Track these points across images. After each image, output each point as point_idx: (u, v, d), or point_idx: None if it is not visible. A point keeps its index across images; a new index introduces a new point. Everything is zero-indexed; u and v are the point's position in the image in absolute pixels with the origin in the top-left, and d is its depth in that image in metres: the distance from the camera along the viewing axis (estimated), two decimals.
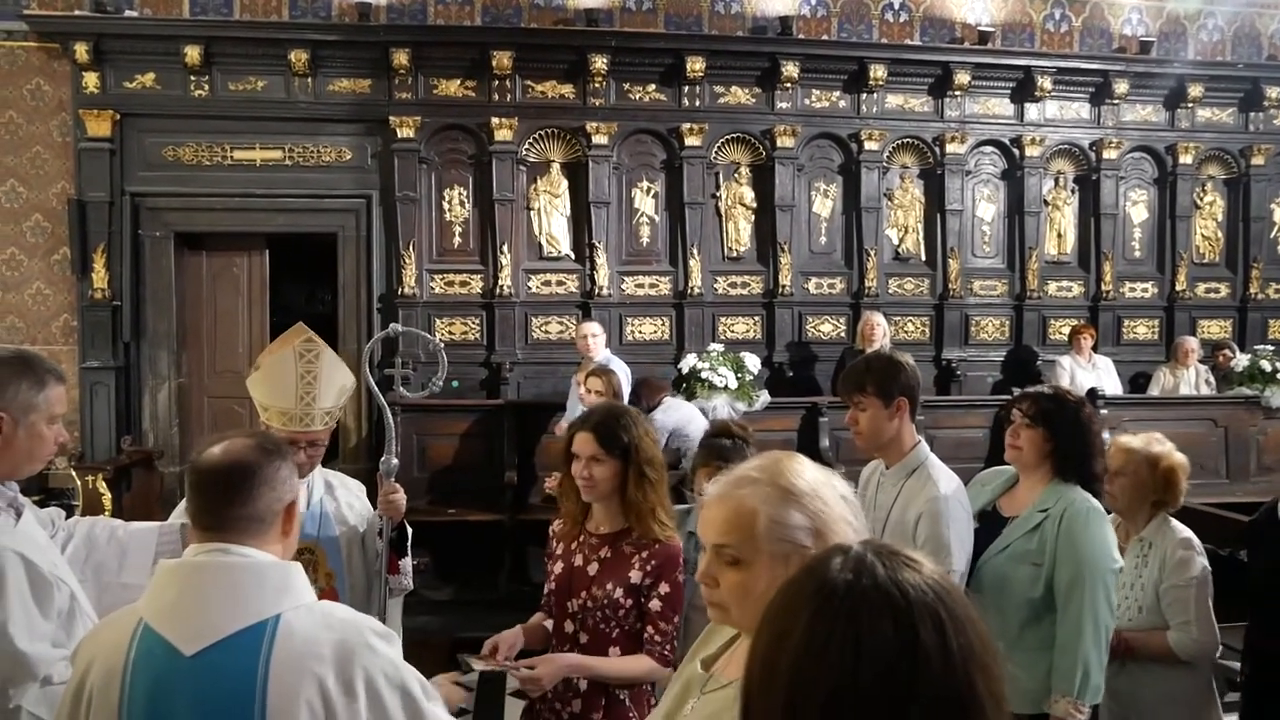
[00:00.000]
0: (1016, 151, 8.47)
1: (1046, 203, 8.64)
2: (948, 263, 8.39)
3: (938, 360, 8.39)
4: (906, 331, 8.39)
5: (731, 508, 1.39)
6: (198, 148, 7.73)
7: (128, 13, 7.52)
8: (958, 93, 8.25)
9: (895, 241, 8.46)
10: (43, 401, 1.96)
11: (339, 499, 2.75)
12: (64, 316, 7.83)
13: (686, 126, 7.96)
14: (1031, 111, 8.49)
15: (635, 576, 2.45)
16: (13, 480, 1.98)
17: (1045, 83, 8.27)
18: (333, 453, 7.80)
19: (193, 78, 7.60)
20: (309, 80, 7.69)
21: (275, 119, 7.75)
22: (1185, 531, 2.99)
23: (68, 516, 2.43)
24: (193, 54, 7.44)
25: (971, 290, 8.52)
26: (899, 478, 2.67)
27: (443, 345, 3.27)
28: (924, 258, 8.50)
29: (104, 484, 6.87)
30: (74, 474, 7.08)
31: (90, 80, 7.54)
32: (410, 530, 2.86)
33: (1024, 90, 8.37)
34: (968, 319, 8.49)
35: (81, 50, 7.41)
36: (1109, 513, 2.84)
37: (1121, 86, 8.41)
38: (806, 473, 1.42)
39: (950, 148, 8.29)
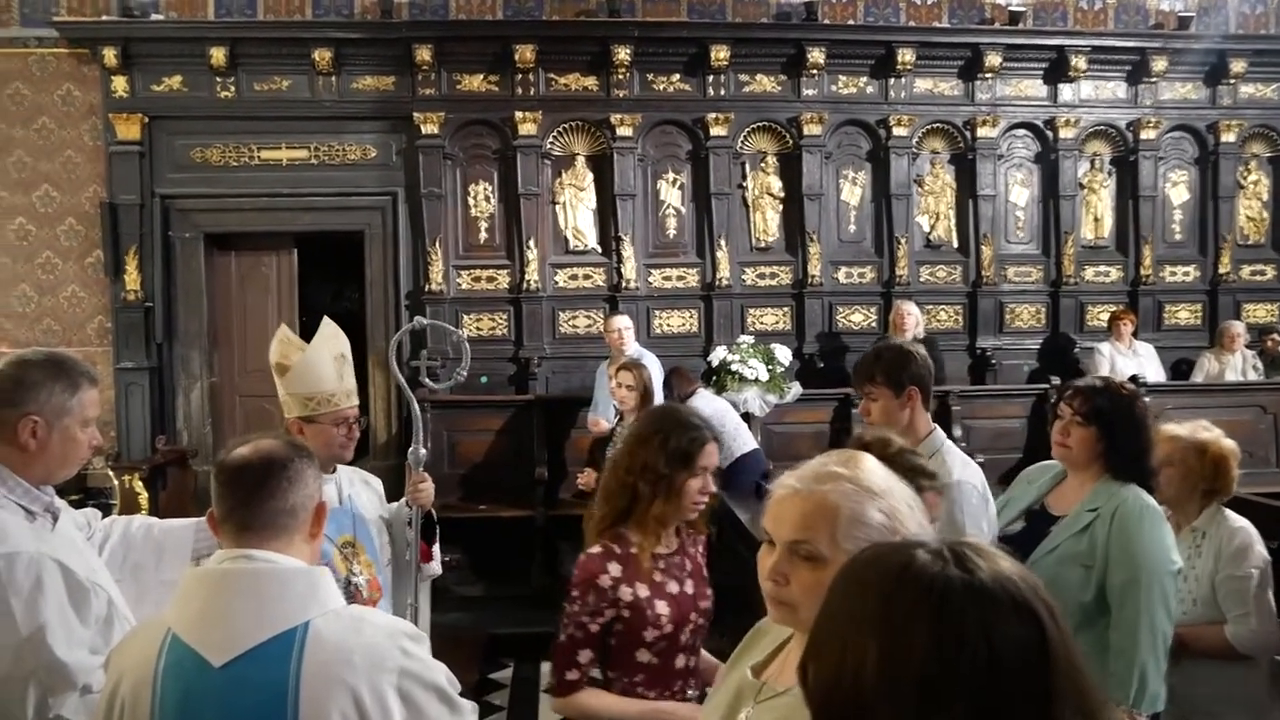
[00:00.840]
0: (1050, 134, 8.28)
1: (1082, 186, 8.43)
2: (980, 249, 8.22)
3: (972, 349, 8.24)
4: (939, 320, 8.24)
5: (814, 503, 1.34)
6: (225, 149, 7.78)
7: (154, 16, 7.59)
8: (989, 75, 8.08)
9: (926, 229, 8.31)
10: (76, 405, 1.94)
11: (364, 492, 2.78)
12: (98, 318, 7.93)
13: (712, 116, 7.87)
14: (1065, 92, 8.29)
15: (705, 572, 2.39)
16: (48, 484, 1.96)
17: (1079, 62, 8.06)
18: (364, 449, 7.85)
19: (218, 79, 7.65)
20: (333, 79, 7.70)
21: (300, 118, 7.78)
22: (1241, 520, 2.86)
23: (104, 516, 2.44)
24: (218, 55, 7.48)
25: (1006, 277, 8.34)
26: None
27: (465, 336, 3.26)
28: (956, 245, 8.34)
29: (140, 483, 6.97)
30: (110, 473, 7.18)
31: (119, 84, 7.62)
32: (436, 518, 2.91)
33: (1057, 71, 8.17)
34: (1002, 306, 8.32)
35: (110, 55, 7.48)
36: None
37: (1159, 64, 8.18)
38: (879, 471, 1.39)
39: (982, 132, 8.11)
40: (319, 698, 1.44)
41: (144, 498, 6.90)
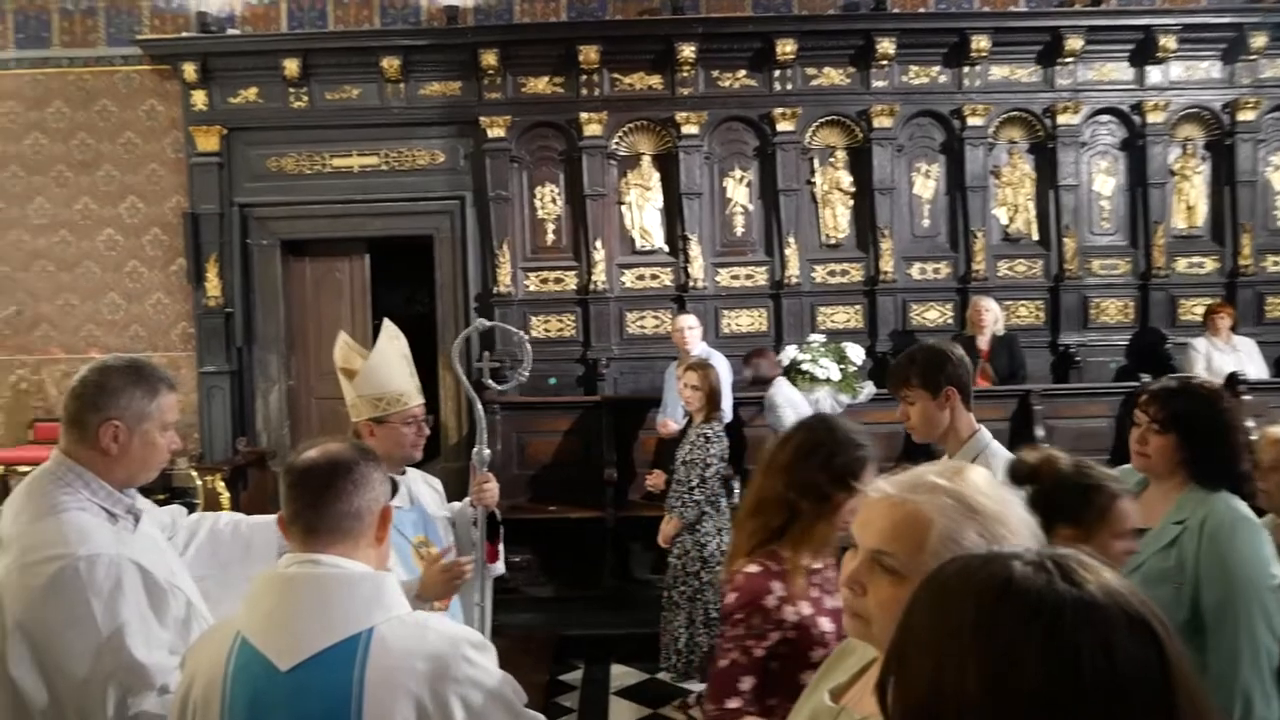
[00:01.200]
0: (1137, 119, 7.89)
1: (1173, 172, 8.01)
2: (1063, 242, 7.89)
3: (1054, 345, 7.92)
4: (1019, 316, 7.95)
5: (904, 514, 1.25)
6: (299, 157, 7.97)
7: (230, 31, 7.81)
8: (1069, 59, 7.75)
9: (1004, 221, 8.02)
10: (155, 409, 1.98)
11: (428, 492, 2.81)
12: (182, 324, 8.21)
13: (779, 111, 7.74)
14: (1154, 74, 7.90)
15: None
16: (130, 487, 2.00)
17: (1169, 42, 7.67)
18: (434, 450, 7.94)
19: (291, 90, 7.84)
20: (401, 86, 7.82)
21: (370, 125, 7.92)
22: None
23: (189, 514, 2.49)
24: (291, 67, 7.67)
25: (1090, 270, 7.99)
26: None
27: (526, 338, 3.25)
28: (1036, 237, 8.03)
29: (222, 483, 7.16)
30: (194, 474, 7.41)
31: (198, 98, 7.87)
32: (500, 518, 2.92)
33: (1144, 52, 7.79)
34: (1086, 301, 7.98)
35: (190, 70, 7.73)
36: (1261, 515, 2.47)
37: (1259, 39, 7.70)
38: (992, 490, 1.27)
39: (1062, 119, 7.79)
40: (382, 704, 1.43)
41: (225, 498, 7.09)
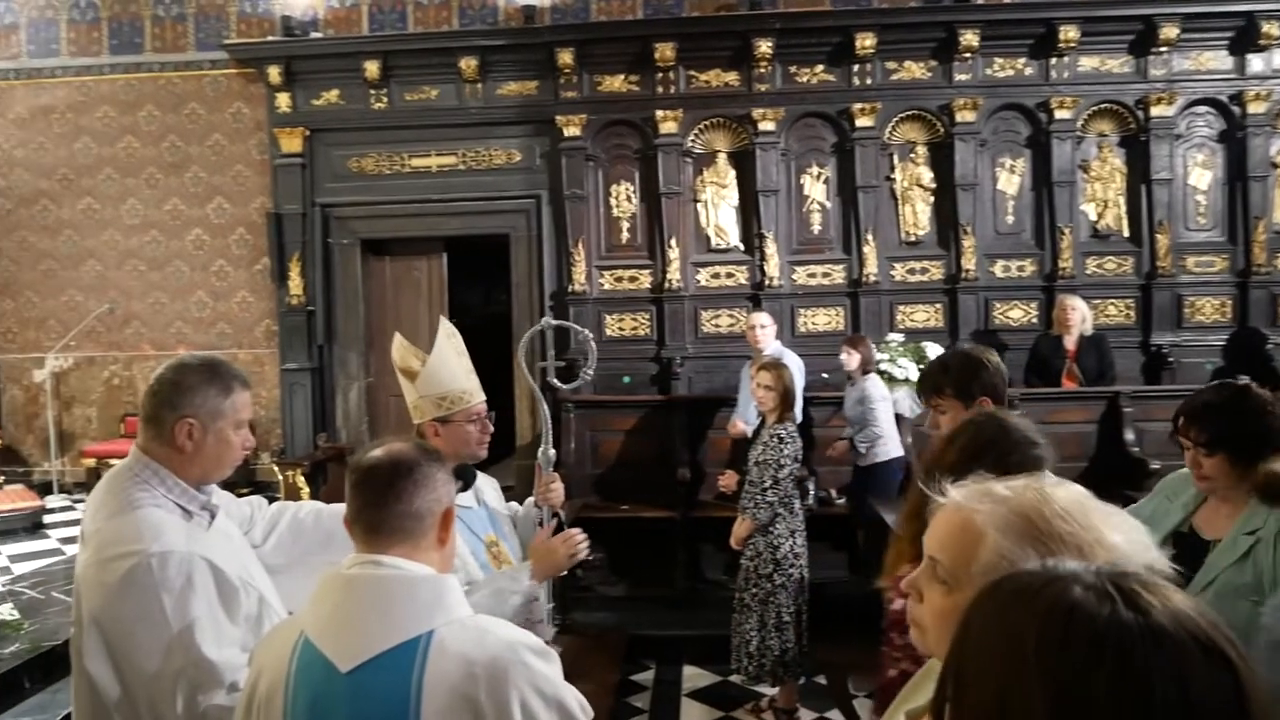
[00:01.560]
0: (1237, 110, 7.55)
1: (1275, 165, 7.66)
2: (1155, 238, 7.60)
3: (1145, 345, 7.63)
4: (1108, 315, 7.67)
5: (958, 522, 1.19)
6: (378, 158, 8.10)
7: (313, 34, 7.98)
8: (1164, 48, 7.46)
9: (1093, 217, 7.75)
10: (229, 407, 1.99)
11: (490, 491, 2.78)
12: (265, 322, 8.41)
13: (857, 107, 7.61)
14: (1255, 63, 7.55)
15: None
16: (205, 484, 2.02)
17: (1272, 29, 7.32)
18: (508, 448, 8.00)
19: (372, 91, 7.97)
20: (479, 86, 7.89)
21: (448, 125, 8.01)
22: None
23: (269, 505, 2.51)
24: (372, 69, 7.79)
25: (1184, 267, 7.68)
26: None
27: (591, 336, 3.21)
28: (1127, 233, 7.75)
29: (302, 478, 7.30)
30: (275, 469, 7.58)
31: (282, 100, 8.05)
32: (565, 519, 2.85)
33: (1245, 39, 7.46)
34: (1180, 299, 7.67)
35: (274, 73, 7.92)
36: None
37: None
38: (1081, 513, 1.13)
39: (1156, 110, 7.50)
40: (440, 709, 1.41)
41: (305, 492, 7.23)
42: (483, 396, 2.60)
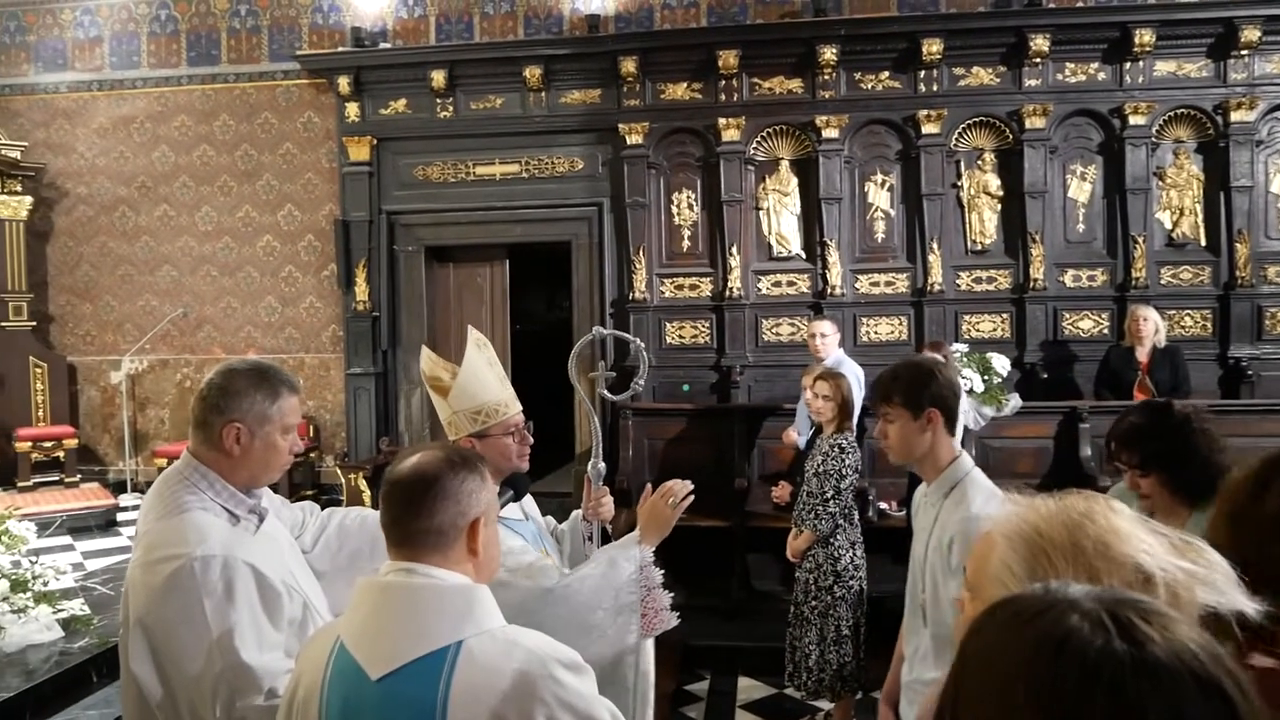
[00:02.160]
0: None
1: None
2: (1234, 247, 7.35)
3: (1223, 358, 7.38)
4: (1183, 326, 7.44)
5: (982, 533, 1.22)
6: (444, 166, 8.21)
7: (382, 45, 8.13)
8: (1244, 51, 7.23)
9: (1168, 226, 7.53)
10: (276, 412, 2.00)
11: (531, 504, 2.73)
12: (332, 327, 8.58)
13: (923, 113, 7.50)
14: None
15: None
16: (254, 488, 2.03)
17: None
18: (568, 454, 8.03)
19: (438, 100, 8.09)
20: (543, 94, 7.96)
21: (512, 134, 8.09)
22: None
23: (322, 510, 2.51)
24: (438, 78, 7.91)
25: (1265, 277, 7.42)
26: (937, 497, 2.39)
27: (643, 345, 3.17)
28: (1204, 243, 7.51)
29: (364, 482, 7.40)
30: (339, 471, 7.70)
31: (351, 110, 8.21)
32: (611, 532, 2.84)
33: None
34: (1260, 310, 7.40)
35: (344, 83, 8.08)
36: None
37: None
38: (1101, 521, 1.09)
39: (1236, 116, 7.26)
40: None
41: (367, 495, 7.33)
42: (519, 406, 2.51)
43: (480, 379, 2.47)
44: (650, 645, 2.30)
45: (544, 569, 2.31)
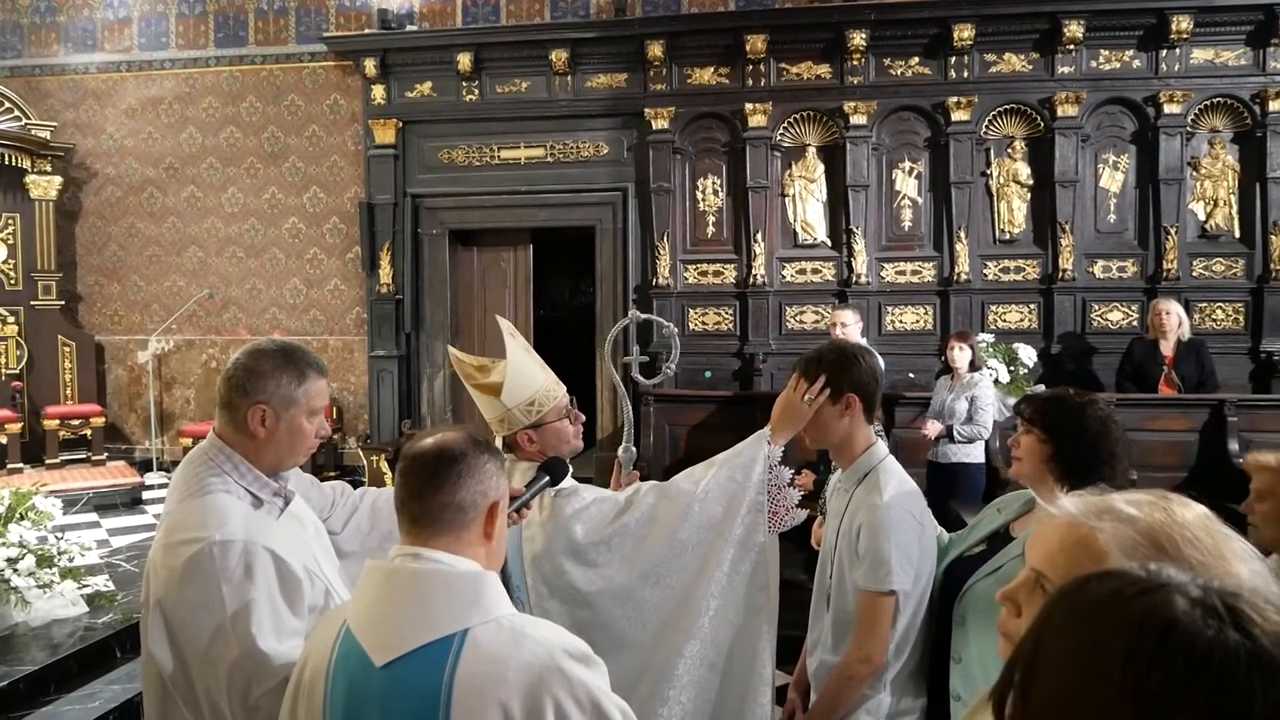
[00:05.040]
0: None
1: None
2: (1269, 239, 7.22)
3: (1255, 352, 7.26)
4: (1214, 320, 7.33)
5: (1076, 539, 1.11)
6: (469, 149, 8.20)
7: (409, 27, 8.11)
8: None
9: (1201, 217, 7.40)
10: (302, 395, 1.96)
11: None
12: (356, 310, 8.60)
13: (953, 100, 7.41)
14: None
15: None
16: (279, 471, 2.00)
17: None
18: (589, 440, 8.03)
19: (464, 84, 8.08)
20: (569, 78, 7.93)
21: (537, 118, 8.07)
22: None
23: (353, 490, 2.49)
24: (464, 61, 7.89)
25: None
26: (850, 484, 2.36)
27: (676, 331, 3.16)
28: (1238, 234, 7.38)
29: (386, 464, 7.45)
30: (361, 453, 7.75)
31: (378, 93, 8.21)
32: None
33: None
34: None
35: (370, 66, 8.08)
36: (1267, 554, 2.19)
37: None
38: (1206, 535, 1.06)
39: (1275, 105, 7.11)
40: (470, 710, 1.37)
41: (388, 477, 7.37)
42: (564, 386, 2.51)
43: (526, 369, 2.45)
44: (776, 541, 2.32)
45: (669, 487, 2.34)
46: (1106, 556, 1.07)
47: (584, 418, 2.54)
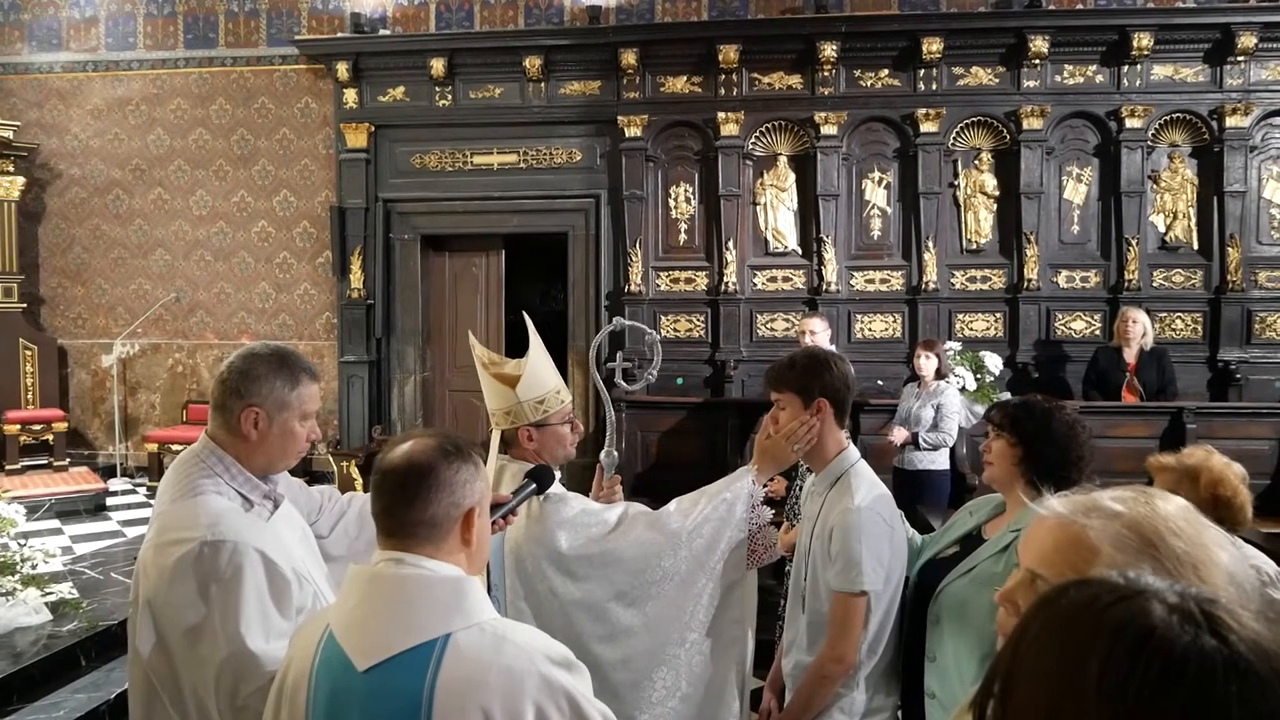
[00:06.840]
0: None
1: None
2: (1226, 251, 7.41)
3: (1213, 361, 7.44)
4: (1174, 329, 7.50)
5: (1068, 537, 1.13)
6: (441, 154, 8.19)
7: (382, 32, 8.09)
8: (1240, 58, 7.28)
9: (1161, 229, 7.58)
10: (295, 399, 1.99)
11: None
12: (326, 314, 8.55)
13: (922, 112, 7.53)
14: None
15: None
16: (270, 474, 2.02)
17: None
18: None
19: (437, 89, 8.07)
20: (542, 85, 7.95)
21: (511, 124, 8.08)
22: (1260, 559, 2.38)
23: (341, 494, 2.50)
24: (438, 66, 7.89)
25: (1256, 282, 7.48)
26: (824, 487, 2.42)
27: (659, 338, 3.18)
28: (1196, 246, 7.56)
29: (356, 469, 7.40)
30: (331, 459, 7.69)
31: (350, 96, 8.18)
32: None
33: None
34: (1250, 315, 7.46)
35: (342, 69, 8.05)
36: None
37: None
38: (1189, 527, 1.08)
39: (1231, 121, 7.31)
40: (451, 714, 1.37)
41: (359, 484, 7.32)
42: (570, 395, 2.55)
43: (542, 369, 2.49)
44: (754, 577, 2.41)
45: (659, 515, 2.39)
46: (1098, 551, 1.10)
47: (583, 429, 2.58)
